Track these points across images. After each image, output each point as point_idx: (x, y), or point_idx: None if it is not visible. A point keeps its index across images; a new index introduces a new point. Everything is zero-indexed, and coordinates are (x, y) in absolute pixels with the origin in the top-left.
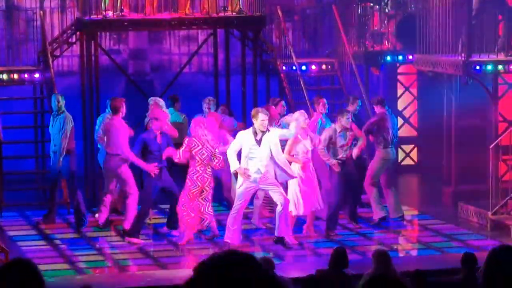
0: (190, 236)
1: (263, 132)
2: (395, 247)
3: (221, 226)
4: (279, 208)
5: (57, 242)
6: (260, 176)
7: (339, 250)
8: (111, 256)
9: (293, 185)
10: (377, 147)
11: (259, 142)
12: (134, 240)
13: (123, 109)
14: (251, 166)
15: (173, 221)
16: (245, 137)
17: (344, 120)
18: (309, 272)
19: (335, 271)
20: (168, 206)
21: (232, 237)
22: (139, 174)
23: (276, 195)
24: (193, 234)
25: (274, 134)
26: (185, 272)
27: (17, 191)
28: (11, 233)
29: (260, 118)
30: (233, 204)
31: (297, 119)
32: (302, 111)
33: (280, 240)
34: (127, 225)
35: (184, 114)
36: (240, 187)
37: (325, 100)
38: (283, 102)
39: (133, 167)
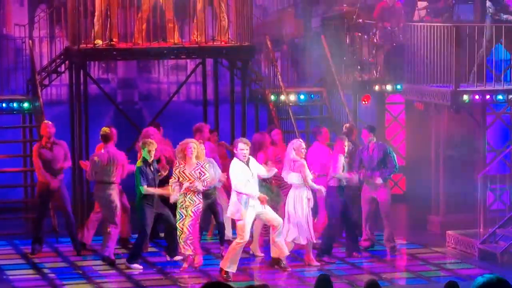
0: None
1: (247, 160)
2: (384, 276)
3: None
4: (275, 229)
5: (46, 271)
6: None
7: (324, 277)
8: (100, 285)
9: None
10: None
11: (250, 170)
12: (135, 266)
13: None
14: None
15: (172, 248)
16: (241, 167)
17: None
18: None
19: None
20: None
21: (231, 266)
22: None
23: (271, 215)
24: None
25: (254, 161)
26: None
27: (6, 220)
28: (0, 262)
29: (239, 148)
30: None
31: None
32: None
33: (276, 261)
34: (107, 252)
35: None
36: (242, 220)
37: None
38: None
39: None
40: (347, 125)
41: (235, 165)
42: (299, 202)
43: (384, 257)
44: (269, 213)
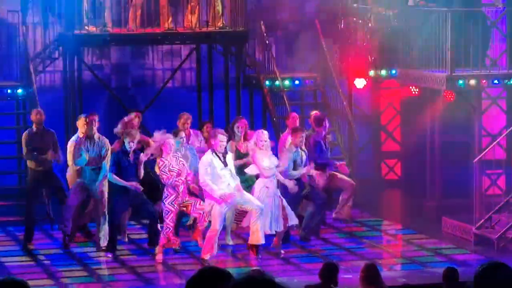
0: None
1: (224, 153)
2: (379, 262)
3: None
4: (254, 215)
5: (41, 257)
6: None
7: (331, 264)
8: (95, 272)
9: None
10: None
11: (224, 163)
12: (110, 254)
13: None
14: (222, 186)
15: (153, 238)
16: (212, 158)
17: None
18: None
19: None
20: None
21: (209, 253)
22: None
23: (250, 204)
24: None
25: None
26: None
27: (0, 207)
28: None
29: (218, 139)
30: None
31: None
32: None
33: (254, 247)
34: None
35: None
36: (217, 208)
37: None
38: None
39: None
40: (316, 114)
41: (206, 157)
42: (263, 192)
43: (379, 243)
44: (247, 201)
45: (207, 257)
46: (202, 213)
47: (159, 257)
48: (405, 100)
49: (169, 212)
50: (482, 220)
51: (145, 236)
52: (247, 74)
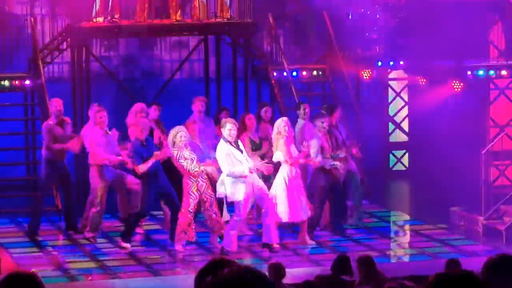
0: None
1: (235, 140)
2: (387, 252)
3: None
4: (265, 214)
5: (49, 248)
6: (253, 176)
7: (343, 257)
8: (103, 263)
9: (280, 191)
10: None
11: (239, 149)
12: (125, 244)
13: None
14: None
15: (173, 231)
16: (229, 148)
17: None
18: (304, 279)
19: (336, 278)
20: (160, 212)
21: (230, 244)
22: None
23: (264, 193)
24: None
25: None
26: (178, 279)
27: (9, 198)
28: (2, 240)
29: (227, 128)
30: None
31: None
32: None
33: (266, 245)
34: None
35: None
36: (240, 195)
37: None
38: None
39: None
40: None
41: (222, 146)
42: (285, 180)
43: (388, 234)
44: (264, 190)
45: (229, 247)
46: (214, 214)
47: (179, 247)
48: (412, 91)
49: (188, 202)
50: (490, 211)
51: (154, 227)
52: (255, 65)
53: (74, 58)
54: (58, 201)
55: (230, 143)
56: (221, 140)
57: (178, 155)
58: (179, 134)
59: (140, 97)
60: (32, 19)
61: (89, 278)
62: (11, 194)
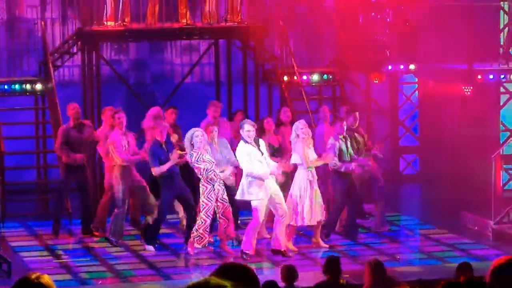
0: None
1: (256, 141)
2: (397, 257)
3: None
4: (279, 218)
5: (60, 252)
6: (270, 180)
7: (333, 258)
8: (113, 267)
9: (297, 195)
10: None
11: (260, 149)
12: (149, 247)
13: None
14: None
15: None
16: (249, 149)
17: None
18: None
19: (333, 280)
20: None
21: (248, 248)
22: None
23: (280, 200)
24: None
25: (262, 143)
26: (189, 283)
27: (19, 202)
28: (13, 244)
29: (245, 129)
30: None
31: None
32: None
33: (277, 252)
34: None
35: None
36: (257, 200)
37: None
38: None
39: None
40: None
41: (242, 147)
42: (303, 183)
43: (398, 238)
44: (280, 197)
45: (249, 251)
46: (227, 220)
47: (191, 250)
48: (423, 95)
49: (205, 206)
50: (501, 215)
51: (165, 231)
52: (265, 69)
53: (85, 61)
54: (68, 205)
55: (250, 143)
56: (241, 141)
57: (196, 157)
58: (195, 133)
59: (150, 101)
60: (42, 22)
61: (100, 282)
62: (22, 198)
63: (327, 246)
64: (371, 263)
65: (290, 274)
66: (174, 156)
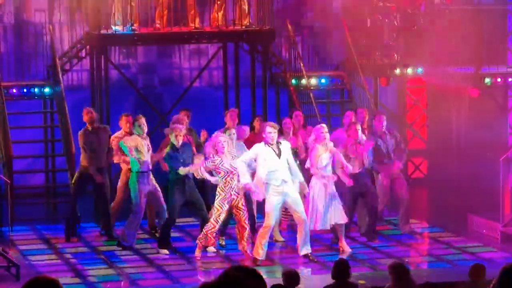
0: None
1: (278, 144)
2: (406, 260)
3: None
4: (299, 227)
5: (68, 256)
6: (288, 186)
7: (342, 261)
8: (122, 270)
9: (313, 199)
10: None
11: (279, 155)
12: (162, 251)
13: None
14: (275, 179)
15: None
16: (263, 149)
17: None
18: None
19: (341, 283)
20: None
21: (259, 252)
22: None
23: (295, 215)
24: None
25: (287, 146)
26: (197, 286)
27: (28, 206)
28: (22, 247)
29: (266, 131)
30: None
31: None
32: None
33: (305, 256)
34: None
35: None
36: (269, 203)
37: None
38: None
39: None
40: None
41: (256, 146)
42: (318, 188)
43: (406, 241)
44: (297, 203)
45: (259, 256)
46: (244, 228)
47: (197, 253)
48: (431, 98)
49: (216, 211)
50: (509, 218)
51: (173, 234)
52: (273, 73)
53: (93, 65)
54: (76, 207)
55: (271, 146)
56: (262, 142)
57: (218, 163)
58: (219, 138)
59: (159, 105)
60: (50, 26)
61: (108, 285)
62: (30, 201)
63: (350, 250)
64: (393, 265)
65: (290, 280)
66: (197, 161)
